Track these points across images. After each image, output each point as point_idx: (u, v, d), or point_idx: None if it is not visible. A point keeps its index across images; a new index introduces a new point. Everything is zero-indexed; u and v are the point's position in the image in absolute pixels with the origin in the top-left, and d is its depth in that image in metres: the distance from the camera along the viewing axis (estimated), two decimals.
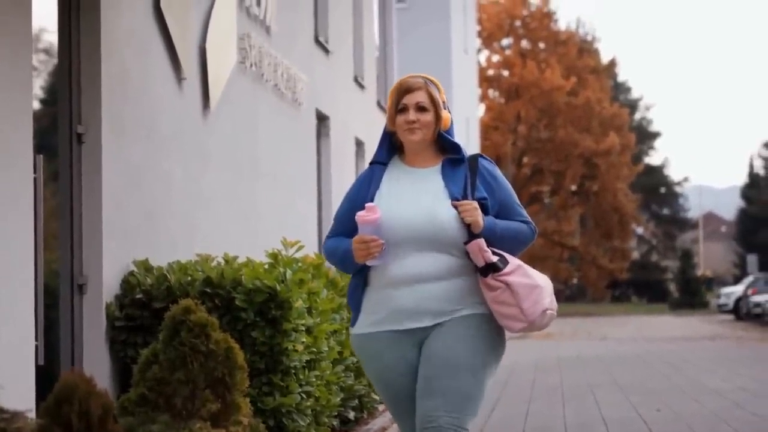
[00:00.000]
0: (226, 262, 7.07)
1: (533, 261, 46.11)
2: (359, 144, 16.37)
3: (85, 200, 6.67)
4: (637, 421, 8.93)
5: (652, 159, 69.15)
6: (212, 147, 8.90)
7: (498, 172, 4.16)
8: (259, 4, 10.47)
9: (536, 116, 52.57)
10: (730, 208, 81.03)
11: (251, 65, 10.12)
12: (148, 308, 6.70)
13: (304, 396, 6.88)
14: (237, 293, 6.61)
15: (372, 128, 16.46)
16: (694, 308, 50.25)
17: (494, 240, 4.01)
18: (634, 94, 77.97)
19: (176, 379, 5.29)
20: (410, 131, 4.07)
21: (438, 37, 32.44)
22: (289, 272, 6.85)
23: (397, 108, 4.09)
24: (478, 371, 3.97)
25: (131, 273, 6.90)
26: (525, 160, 54.72)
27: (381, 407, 9.04)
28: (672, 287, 61.67)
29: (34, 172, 5.86)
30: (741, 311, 37.03)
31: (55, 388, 3.86)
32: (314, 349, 7.13)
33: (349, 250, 4.02)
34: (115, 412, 4.11)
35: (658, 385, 12.16)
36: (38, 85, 6.54)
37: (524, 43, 55.00)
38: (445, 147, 4.14)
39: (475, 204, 3.99)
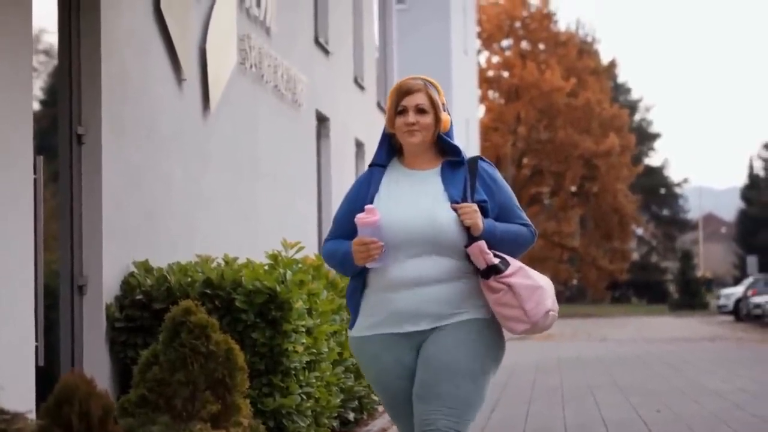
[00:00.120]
0: (226, 263, 7.07)
1: (533, 262, 46.08)
2: (359, 145, 16.36)
3: (85, 201, 6.66)
4: (637, 422, 8.93)
5: (652, 160, 69.19)
6: (212, 148, 8.90)
7: (498, 174, 4.14)
8: (259, 5, 10.47)
9: (536, 117, 52.57)
10: (730, 209, 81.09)
11: (251, 66, 10.12)
12: (148, 309, 6.70)
13: (304, 397, 6.88)
14: (237, 294, 6.61)
15: (372, 129, 16.46)
16: (694, 309, 50.24)
17: (494, 243, 3.99)
18: (634, 95, 78.27)
19: (176, 380, 5.30)
20: (410, 133, 4.05)
21: (438, 38, 32.44)
22: (289, 273, 6.85)
23: (397, 110, 4.07)
24: (478, 377, 3.96)
25: (131, 274, 6.90)
26: (525, 161, 54.72)
27: (381, 408, 9.04)
28: (672, 288, 61.64)
29: (34, 172, 5.86)
30: (741, 312, 37.00)
31: (56, 389, 3.86)
32: (314, 351, 7.13)
33: (349, 252, 3.99)
34: (116, 413, 4.10)
35: (658, 386, 12.15)
36: (38, 86, 6.54)
37: (524, 44, 55.01)
38: (444, 149, 4.12)
39: (475, 207, 3.97)
